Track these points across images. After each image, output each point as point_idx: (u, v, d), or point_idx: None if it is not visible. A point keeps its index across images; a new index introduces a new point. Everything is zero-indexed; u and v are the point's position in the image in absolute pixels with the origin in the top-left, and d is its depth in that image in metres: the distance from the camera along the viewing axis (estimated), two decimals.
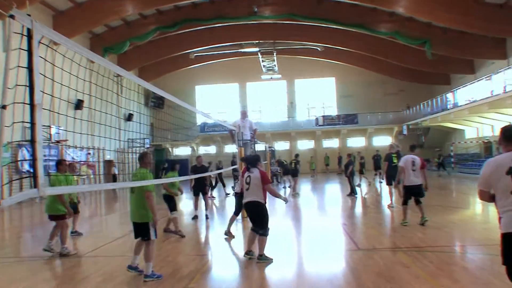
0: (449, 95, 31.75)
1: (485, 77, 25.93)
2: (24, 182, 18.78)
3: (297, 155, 22.25)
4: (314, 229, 10.51)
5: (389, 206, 13.20)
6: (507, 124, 4.34)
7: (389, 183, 13.65)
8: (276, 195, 7.40)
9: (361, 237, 9.02)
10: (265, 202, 7.17)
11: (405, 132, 39.16)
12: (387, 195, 14.00)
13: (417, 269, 6.10)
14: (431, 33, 29.35)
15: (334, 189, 23.15)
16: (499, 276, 4.78)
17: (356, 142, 42.14)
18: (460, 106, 28.87)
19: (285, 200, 7.51)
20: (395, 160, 13.29)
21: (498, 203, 3.59)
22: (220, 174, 18.91)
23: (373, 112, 41.70)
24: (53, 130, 22.34)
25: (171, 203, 9.70)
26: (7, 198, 2.86)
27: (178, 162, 11.07)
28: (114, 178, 19.59)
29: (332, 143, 42.81)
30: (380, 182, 21.02)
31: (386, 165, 13.81)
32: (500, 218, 3.58)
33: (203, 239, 10.12)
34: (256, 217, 7.14)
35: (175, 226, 9.62)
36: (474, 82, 28.17)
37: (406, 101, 40.69)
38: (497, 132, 4.15)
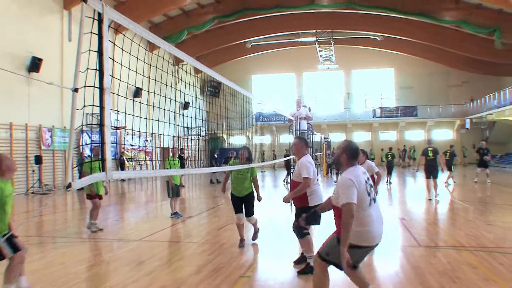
0: None
1: None
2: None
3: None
4: None
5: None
6: None
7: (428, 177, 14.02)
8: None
9: (422, 233, 8.63)
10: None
11: (467, 126, 37.43)
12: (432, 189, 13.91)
13: (485, 271, 5.74)
14: (502, 21, 27.53)
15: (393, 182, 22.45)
16: None
17: (415, 136, 40.83)
18: None
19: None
20: (430, 154, 13.82)
21: None
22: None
23: (434, 104, 40.14)
24: (113, 116, 22.97)
25: None
26: (76, 181, 2.90)
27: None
28: (182, 164, 19.58)
29: (389, 136, 41.65)
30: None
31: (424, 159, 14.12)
32: None
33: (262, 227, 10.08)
34: None
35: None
36: None
37: (470, 93, 38.77)
38: None
